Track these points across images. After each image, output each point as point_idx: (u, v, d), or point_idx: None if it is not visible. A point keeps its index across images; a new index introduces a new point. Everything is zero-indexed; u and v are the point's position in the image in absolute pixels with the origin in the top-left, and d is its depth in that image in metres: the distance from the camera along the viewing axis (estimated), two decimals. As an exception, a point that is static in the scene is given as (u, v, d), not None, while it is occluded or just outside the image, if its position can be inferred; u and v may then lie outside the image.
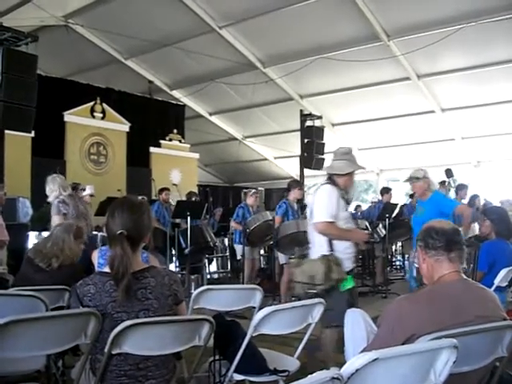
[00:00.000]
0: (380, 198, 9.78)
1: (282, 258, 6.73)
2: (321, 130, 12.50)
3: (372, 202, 11.71)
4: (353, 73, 11.94)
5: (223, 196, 16.57)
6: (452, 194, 7.90)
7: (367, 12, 10.03)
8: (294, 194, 6.83)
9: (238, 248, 7.40)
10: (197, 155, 15.05)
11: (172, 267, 7.72)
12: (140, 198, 2.68)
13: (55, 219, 5.13)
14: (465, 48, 10.49)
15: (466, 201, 8.08)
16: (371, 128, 14.07)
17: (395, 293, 7.05)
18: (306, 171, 12.60)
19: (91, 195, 8.53)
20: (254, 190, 7.94)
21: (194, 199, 9.02)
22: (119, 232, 2.10)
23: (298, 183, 7.11)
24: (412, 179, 5.19)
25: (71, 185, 6.22)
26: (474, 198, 8.52)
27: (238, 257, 7.47)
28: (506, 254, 4.23)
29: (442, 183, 7.88)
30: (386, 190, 9.48)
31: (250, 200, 7.71)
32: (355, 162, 3.86)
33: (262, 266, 8.68)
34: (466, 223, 5.07)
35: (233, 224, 7.81)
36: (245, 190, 8.31)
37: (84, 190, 8.14)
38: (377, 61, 10.88)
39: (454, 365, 1.69)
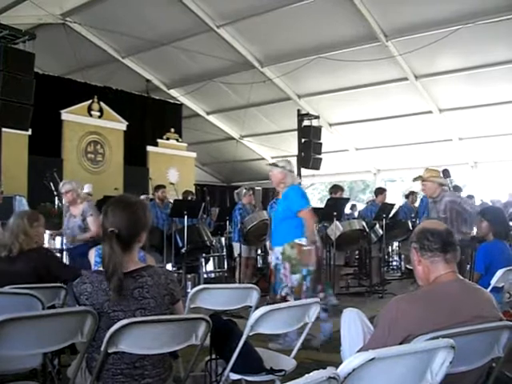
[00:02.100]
0: (374, 198, 9.77)
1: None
2: (318, 129, 12.49)
3: (367, 203, 11.71)
4: (350, 73, 11.95)
5: (220, 195, 16.54)
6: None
7: (365, 12, 10.04)
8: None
9: (236, 246, 7.41)
10: (194, 154, 15.05)
11: (169, 266, 7.70)
12: (143, 197, 2.68)
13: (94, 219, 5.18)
14: (462, 49, 10.51)
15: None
16: (369, 128, 14.08)
17: (392, 293, 7.05)
18: (303, 171, 12.60)
19: (89, 194, 8.50)
20: (245, 190, 7.90)
21: (190, 198, 8.96)
22: (110, 230, 2.11)
23: None
24: (272, 166, 4.86)
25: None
26: (469, 198, 8.52)
27: (235, 254, 7.47)
28: (504, 254, 4.22)
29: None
30: (380, 191, 9.45)
31: (245, 199, 7.77)
32: None
33: (259, 265, 8.67)
34: (310, 229, 4.47)
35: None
36: (236, 191, 8.12)
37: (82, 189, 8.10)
38: (375, 61, 10.89)
39: (451, 365, 1.69)
